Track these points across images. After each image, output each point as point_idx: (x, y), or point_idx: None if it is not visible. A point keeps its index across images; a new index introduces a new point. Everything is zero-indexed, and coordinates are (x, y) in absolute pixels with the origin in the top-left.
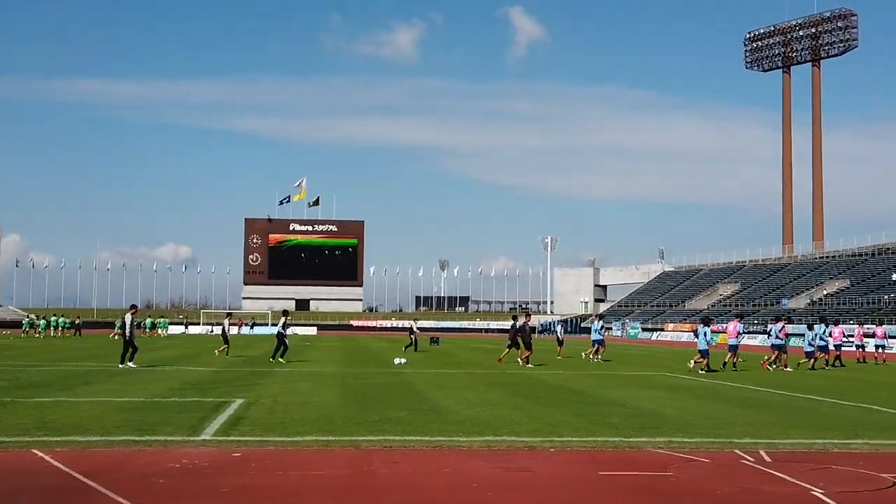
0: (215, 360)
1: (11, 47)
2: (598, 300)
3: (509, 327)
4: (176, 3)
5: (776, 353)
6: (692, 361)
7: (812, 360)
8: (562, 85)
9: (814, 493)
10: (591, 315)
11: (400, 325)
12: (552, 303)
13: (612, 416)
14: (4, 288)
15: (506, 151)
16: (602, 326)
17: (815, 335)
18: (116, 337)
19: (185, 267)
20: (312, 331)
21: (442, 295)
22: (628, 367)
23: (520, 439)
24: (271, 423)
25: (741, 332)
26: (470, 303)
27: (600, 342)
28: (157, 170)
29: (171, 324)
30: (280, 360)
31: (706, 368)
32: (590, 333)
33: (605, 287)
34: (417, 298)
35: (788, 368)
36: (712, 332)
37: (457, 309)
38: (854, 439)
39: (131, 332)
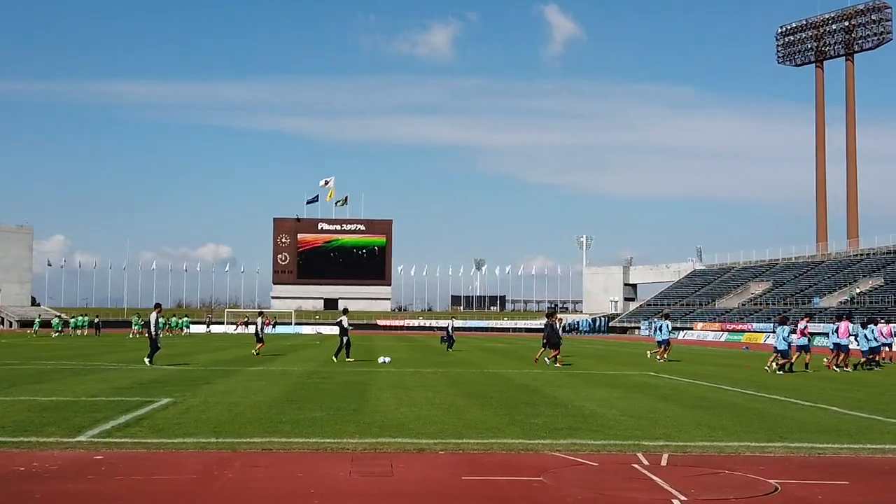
0: (199, 358)
1: (58, 51)
2: (627, 299)
3: (542, 326)
4: (206, 3)
5: (837, 353)
6: (772, 362)
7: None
8: (598, 82)
9: (676, 500)
10: (619, 314)
11: (427, 325)
12: (578, 303)
13: (540, 417)
14: (51, 288)
15: (542, 150)
16: (669, 326)
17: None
18: (136, 335)
19: (214, 266)
20: (335, 330)
21: (477, 294)
22: (618, 366)
23: (414, 441)
24: (170, 425)
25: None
26: (506, 302)
27: (667, 342)
28: (194, 170)
29: (192, 322)
30: (347, 359)
31: (786, 369)
32: (656, 334)
33: (635, 286)
34: (452, 297)
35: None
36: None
37: (492, 308)
38: (775, 442)
39: (156, 331)
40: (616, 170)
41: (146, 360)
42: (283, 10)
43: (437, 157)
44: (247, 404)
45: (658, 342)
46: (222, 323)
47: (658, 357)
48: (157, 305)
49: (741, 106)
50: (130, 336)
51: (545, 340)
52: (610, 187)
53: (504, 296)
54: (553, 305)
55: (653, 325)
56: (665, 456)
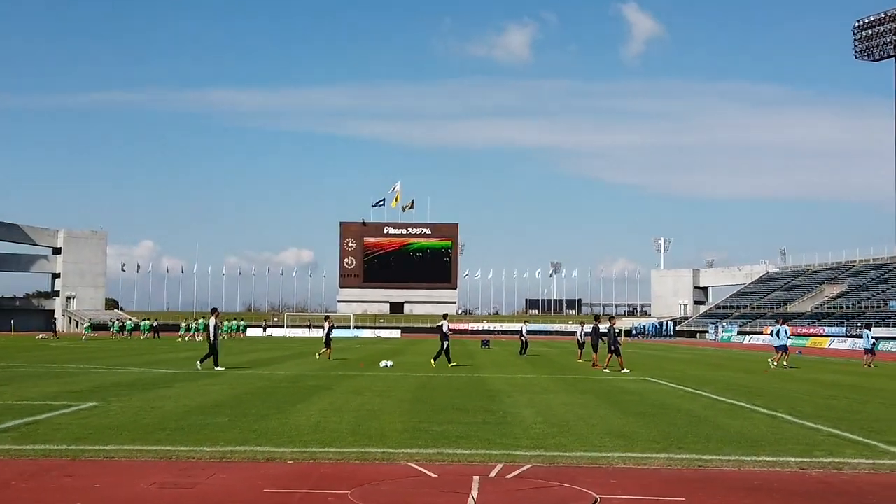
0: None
1: (142, 60)
2: (697, 302)
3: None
4: (277, 8)
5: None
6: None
7: None
8: (679, 81)
9: None
10: (687, 317)
11: (493, 329)
12: (645, 306)
13: (450, 425)
14: (139, 291)
15: (622, 150)
16: (787, 331)
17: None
18: (185, 339)
19: (283, 271)
20: (396, 333)
21: (553, 298)
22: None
23: (270, 450)
24: (37, 432)
25: None
26: (582, 305)
27: (784, 347)
28: (269, 175)
29: (248, 326)
30: (448, 363)
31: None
32: (773, 340)
33: (706, 289)
34: (527, 301)
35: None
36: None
37: (569, 312)
38: (662, 454)
39: (215, 336)
40: (696, 170)
41: (198, 364)
42: (355, 16)
43: (515, 159)
44: (165, 410)
45: (776, 348)
46: (282, 326)
47: (774, 363)
48: (214, 310)
49: (822, 103)
50: (179, 340)
51: (610, 346)
52: (690, 188)
53: (580, 299)
54: (629, 309)
55: (771, 330)
56: (498, 467)
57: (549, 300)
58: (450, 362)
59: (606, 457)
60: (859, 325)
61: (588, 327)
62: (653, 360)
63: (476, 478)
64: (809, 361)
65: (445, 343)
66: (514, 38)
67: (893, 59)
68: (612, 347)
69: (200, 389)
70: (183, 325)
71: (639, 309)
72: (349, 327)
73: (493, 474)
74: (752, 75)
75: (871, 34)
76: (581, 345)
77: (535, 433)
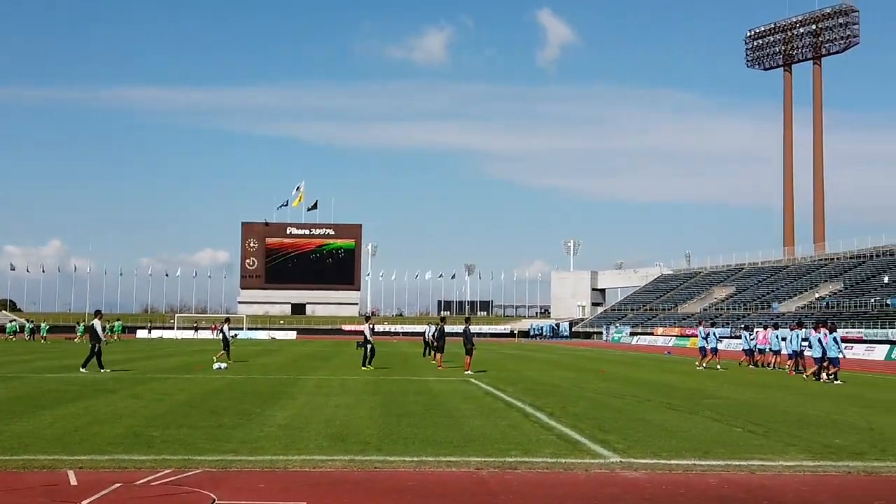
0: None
1: (54, 56)
2: (595, 304)
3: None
4: (193, 5)
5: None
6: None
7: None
8: (590, 87)
9: None
10: (584, 318)
11: (395, 330)
12: (548, 307)
13: (178, 428)
14: (45, 292)
15: (538, 154)
16: (717, 334)
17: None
18: (80, 341)
19: (195, 272)
20: (292, 335)
21: (466, 299)
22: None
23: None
24: None
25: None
26: (493, 307)
27: (715, 350)
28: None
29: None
30: (369, 366)
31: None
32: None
33: (603, 291)
34: (440, 303)
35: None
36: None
37: (480, 313)
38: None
39: (100, 337)
40: (611, 174)
41: (82, 368)
42: (271, 16)
43: (433, 161)
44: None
45: (703, 349)
46: (172, 328)
47: (712, 364)
48: (98, 312)
49: (724, 110)
50: (76, 341)
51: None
52: (604, 191)
53: (492, 301)
54: (371, 312)
55: (699, 333)
56: (161, 472)
57: (461, 302)
58: (364, 366)
59: (291, 460)
60: (742, 326)
61: (433, 328)
62: (513, 360)
63: (117, 485)
64: (663, 361)
65: (369, 346)
66: (431, 41)
67: (782, 68)
68: (466, 348)
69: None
70: (78, 326)
71: (541, 310)
72: (242, 328)
73: (143, 481)
74: (663, 82)
75: (762, 44)
76: (427, 344)
77: (257, 436)
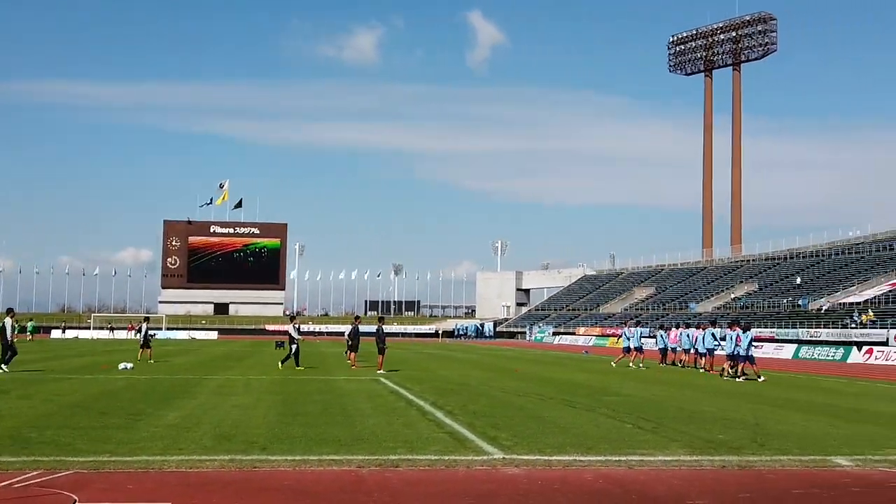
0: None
1: None
2: (520, 304)
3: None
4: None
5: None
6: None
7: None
8: (520, 89)
9: None
10: (509, 318)
11: (318, 330)
12: (470, 308)
13: (62, 429)
14: None
15: (470, 155)
16: (640, 333)
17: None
18: None
19: (98, 270)
20: (213, 335)
21: (394, 299)
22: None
23: None
24: None
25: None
26: (421, 307)
27: (639, 348)
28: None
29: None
30: (297, 367)
31: (741, 375)
32: (627, 341)
33: (528, 291)
34: (366, 302)
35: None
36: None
37: (407, 313)
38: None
39: (11, 336)
40: (541, 175)
41: (3, 366)
42: (198, 11)
43: (364, 161)
44: None
45: (628, 348)
46: (88, 328)
47: (624, 362)
48: (10, 310)
49: (651, 113)
50: None
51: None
52: (535, 193)
53: (419, 301)
54: (297, 312)
55: (624, 332)
56: (32, 473)
57: (389, 302)
58: (281, 363)
59: (168, 460)
60: (657, 325)
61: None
62: (430, 360)
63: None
64: (580, 360)
65: (294, 346)
66: (362, 40)
67: (703, 74)
68: (379, 347)
69: None
70: None
71: (467, 311)
72: (161, 328)
73: (5, 483)
74: (590, 85)
75: (684, 49)
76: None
77: (140, 437)
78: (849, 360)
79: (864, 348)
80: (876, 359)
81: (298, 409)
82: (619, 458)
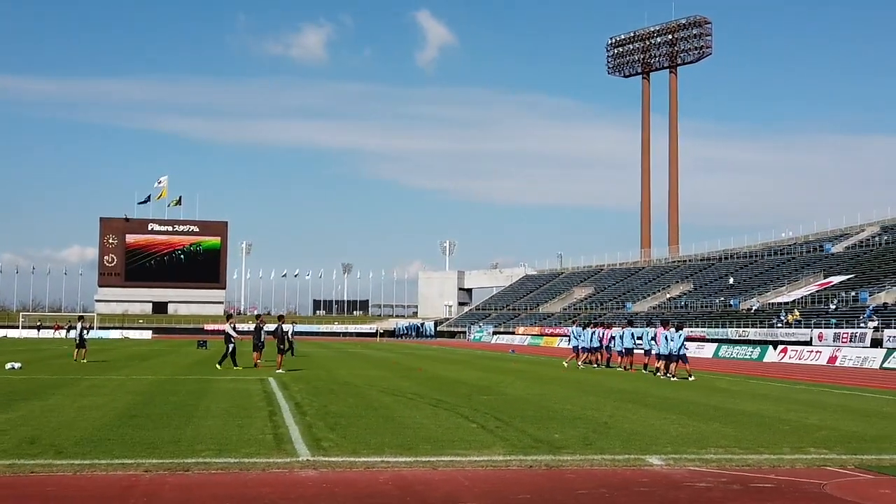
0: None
1: None
2: (462, 304)
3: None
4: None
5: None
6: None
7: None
8: (469, 89)
9: None
10: (450, 318)
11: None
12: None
13: None
14: None
15: (420, 155)
16: (590, 334)
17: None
18: None
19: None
20: (147, 334)
21: (344, 299)
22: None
23: None
24: None
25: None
26: (370, 307)
27: (597, 349)
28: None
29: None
30: (235, 366)
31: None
32: (577, 341)
33: (470, 291)
34: (315, 302)
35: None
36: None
37: (356, 313)
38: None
39: None
40: (491, 176)
41: None
42: (141, 5)
43: (313, 160)
44: None
45: (576, 348)
46: (17, 327)
47: (578, 363)
48: None
49: (597, 115)
50: None
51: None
52: (485, 193)
53: (368, 300)
54: (248, 311)
55: (574, 333)
56: None
57: (338, 301)
58: (220, 362)
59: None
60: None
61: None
62: (342, 360)
63: None
64: (497, 359)
65: (231, 346)
66: (310, 38)
67: (641, 76)
68: (279, 347)
69: None
70: None
71: (412, 310)
72: (93, 327)
73: None
74: (534, 87)
75: (622, 52)
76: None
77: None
78: (764, 360)
79: (780, 347)
80: (790, 358)
81: (142, 411)
82: (430, 459)
